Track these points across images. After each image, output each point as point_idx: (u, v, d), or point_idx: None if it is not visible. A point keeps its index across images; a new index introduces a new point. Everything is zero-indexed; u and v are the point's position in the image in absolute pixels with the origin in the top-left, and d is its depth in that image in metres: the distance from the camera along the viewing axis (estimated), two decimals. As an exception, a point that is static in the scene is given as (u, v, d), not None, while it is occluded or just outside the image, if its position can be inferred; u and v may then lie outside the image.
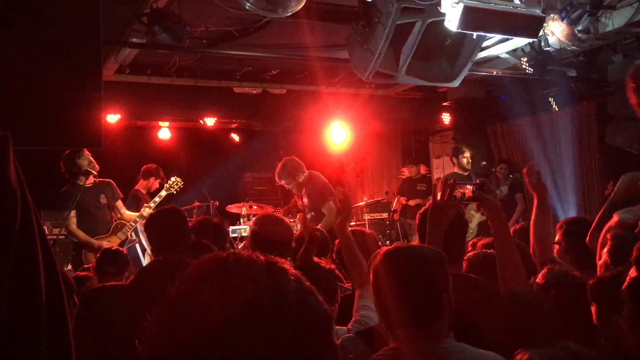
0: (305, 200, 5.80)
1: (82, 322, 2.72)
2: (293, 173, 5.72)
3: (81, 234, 5.26)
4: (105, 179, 5.69)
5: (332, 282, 2.62)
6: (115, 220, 5.61)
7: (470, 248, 3.24)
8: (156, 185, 6.50)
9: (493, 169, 7.95)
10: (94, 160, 5.47)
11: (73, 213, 5.25)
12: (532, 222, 2.85)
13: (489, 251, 2.70)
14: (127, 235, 5.49)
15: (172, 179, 6.00)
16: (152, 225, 3.16)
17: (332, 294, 2.51)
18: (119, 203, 5.72)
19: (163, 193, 5.86)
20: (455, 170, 7.37)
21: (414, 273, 1.74)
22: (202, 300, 0.79)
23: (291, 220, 6.30)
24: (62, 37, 3.40)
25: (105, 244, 5.06)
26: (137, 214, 5.63)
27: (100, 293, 3.00)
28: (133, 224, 5.52)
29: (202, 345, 0.75)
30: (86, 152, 5.44)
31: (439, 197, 2.31)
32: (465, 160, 7.28)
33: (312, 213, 5.59)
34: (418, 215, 2.57)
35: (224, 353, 0.75)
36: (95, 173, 5.49)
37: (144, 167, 6.62)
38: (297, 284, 0.84)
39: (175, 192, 6.04)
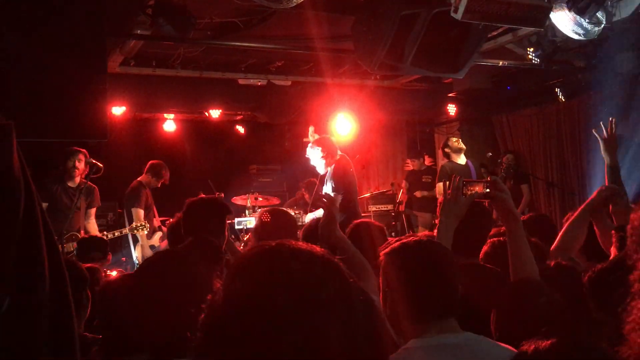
0: (328, 183, 5.60)
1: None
2: (327, 149, 5.62)
3: None
4: (91, 184, 5.74)
5: None
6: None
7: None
8: (157, 184, 6.54)
9: (499, 160, 7.93)
10: (79, 165, 5.56)
11: (44, 206, 5.35)
12: (570, 221, 2.84)
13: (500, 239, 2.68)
14: (72, 248, 5.41)
15: (143, 223, 5.99)
16: (190, 212, 3.13)
17: None
18: (92, 211, 5.86)
19: (125, 231, 5.90)
20: (452, 159, 7.34)
21: (429, 267, 1.74)
22: (256, 292, 0.80)
23: (296, 212, 6.30)
24: (67, 30, 3.39)
25: None
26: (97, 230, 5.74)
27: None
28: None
29: (252, 336, 0.76)
30: (80, 156, 5.57)
31: (449, 195, 2.30)
32: (455, 143, 7.32)
33: (341, 195, 5.22)
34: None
35: (275, 343, 0.75)
36: (77, 177, 5.60)
37: (151, 163, 6.62)
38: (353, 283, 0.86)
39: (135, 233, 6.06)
